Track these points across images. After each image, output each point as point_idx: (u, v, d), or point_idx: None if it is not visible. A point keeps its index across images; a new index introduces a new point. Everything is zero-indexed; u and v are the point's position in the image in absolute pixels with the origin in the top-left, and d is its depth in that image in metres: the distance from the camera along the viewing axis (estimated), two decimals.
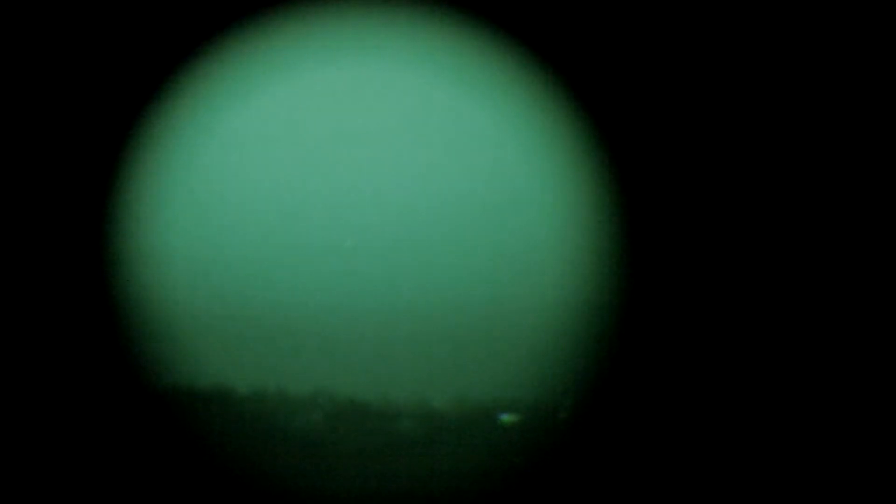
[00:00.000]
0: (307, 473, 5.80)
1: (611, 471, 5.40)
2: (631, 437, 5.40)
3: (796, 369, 5.36)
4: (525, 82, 5.57)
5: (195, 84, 5.61)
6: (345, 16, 5.61)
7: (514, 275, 5.67)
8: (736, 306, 5.38)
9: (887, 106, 5.39)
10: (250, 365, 5.85)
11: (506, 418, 5.91)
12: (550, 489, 5.48)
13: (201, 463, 5.61)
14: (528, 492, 5.51)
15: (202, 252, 5.69)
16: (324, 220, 5.72)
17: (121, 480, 5.42)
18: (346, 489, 5.76)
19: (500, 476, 5.62)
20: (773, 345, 5.36)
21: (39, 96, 5.49)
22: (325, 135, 5.73)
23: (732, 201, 5.42)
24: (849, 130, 5.39)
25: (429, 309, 5.72)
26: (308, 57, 5.63)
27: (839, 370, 5.36)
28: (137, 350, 5.59)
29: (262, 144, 5.71)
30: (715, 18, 5.42)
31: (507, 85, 5.58)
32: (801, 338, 5.35)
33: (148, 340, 5.59)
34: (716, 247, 5.42)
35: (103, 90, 5.51)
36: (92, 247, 5.53)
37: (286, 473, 5.77)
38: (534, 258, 5.61)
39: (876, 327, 5.32)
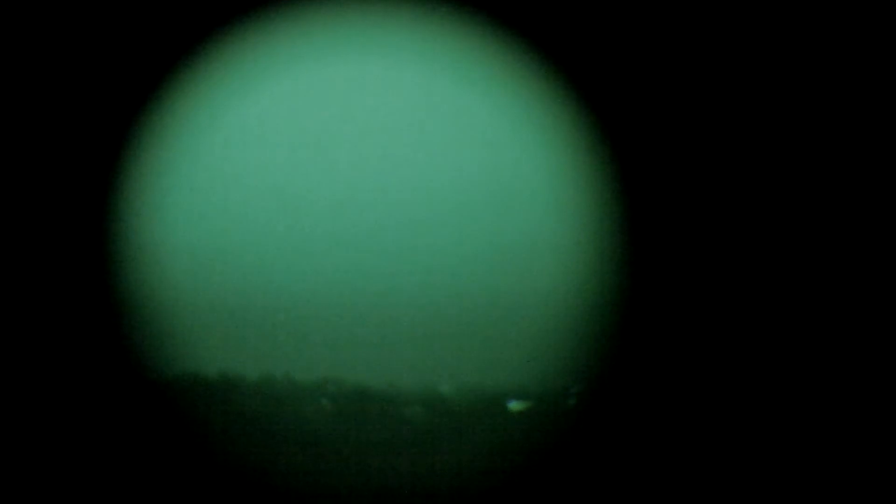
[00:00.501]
0: (314, 463, 5.83)
1: (616, 459, 5.42)
2: (635, 424, 5.41)
3: (796, 364, 5.35)
4: (526, 78, 5.51)
5: (196, 81, 5.56)
6: (345, 13, 5.54)
7: (520, 264, 5.65)
8: (737, 302, 5.35)
9: (887, 106, 5.32)
10: (257, 355, 5.87)
11: (514, 405, 5.92)
12: (557, 477, 5.50)
13: (206, 454, 5.65)
14: (535, 480, 5.53)
15: (206, 246, 5.69)
16: (326, 213, 5.70)
17: (125, 472, 5.46)
18: (354, 479, 5.80)
19: (508, 464, 5.64)
20: (771, 336, 5.34)
21: (40, 94, 5.46)
22: (327, 130, 5.69)
23: (733, 199, 5.37)
24: (849, 130, 5.32)
25: (436, 298, 5.72)
26: (308, 54, 5.57)
27: (839, 369, 5.34)
28: (141, 342, 5.61)
29: (264, 140, 5.68)
30: (716, 18, 5.34)
31: (508, 81, 5.52)
32: (801, 336, 5.33)
33: (151, 332, 5.61)
34: (717, 243, 5.38)
35: (103, 88, 5.48)
36: (94, 241, 5.52)
37: (294, 463, 5.81)
38: (537, 249, 5.58)
39: (876, 327, 5.30)
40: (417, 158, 5.65)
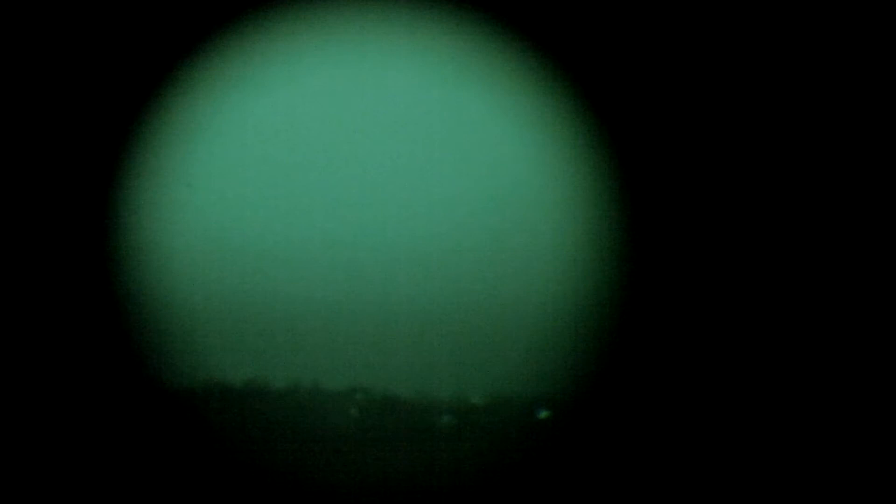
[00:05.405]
0: (341, 470, 5.75)
1: (620, 464, 5.30)
2: (640, 431, 5.28)
3: (796, 368, 5.15)
4: (526, 78, 5.37)
5: (196, 81, 5.50)
6: (346, 13, 5.46)
7: (522, 266, 5.51)
8: (735, 305, 5.20)
9: (887, 106, 5.14)
10: (284, 362, 5.80)
11: (544, 414, 5.78)
12: (572, 482, 5.37)
13: (228, 459, 5.58)
14: (555, 484, 5.40)
15: (225, 250, 5.63)
16: (333, 216, 5.62)
17: (140, 480, 5.41)
18: (381, 486, 5.70)
19: (532, 470, 5.52)
20: (772, 343, 5.15)
21: (41, 93, 5.44)
22: (327, 131, 5.62)
23: (733, 200, 5.21)
24: (849, 130, 5.14)
25: (462, 306, 5.60)
26: (309, 53, 5.49)
27: (839, 370, 5.13)
28: (153, 349, 5.54)
29: (265, 141, 5.62)
30: (716, 18, 5.19)
31: (508, 81, 5.39)
32: (801, 337, 5.14)
33: (166, 339, 5.55)
34: (716, 245, 5.23)
35: (105, 87, 5.44)
36: (98, 242, 5.48)
37: (321, 470, 5.73)
38: (542, 254, 5.44)
39: (876, 327, 5.10)
40: (418, 158, 5.54)
